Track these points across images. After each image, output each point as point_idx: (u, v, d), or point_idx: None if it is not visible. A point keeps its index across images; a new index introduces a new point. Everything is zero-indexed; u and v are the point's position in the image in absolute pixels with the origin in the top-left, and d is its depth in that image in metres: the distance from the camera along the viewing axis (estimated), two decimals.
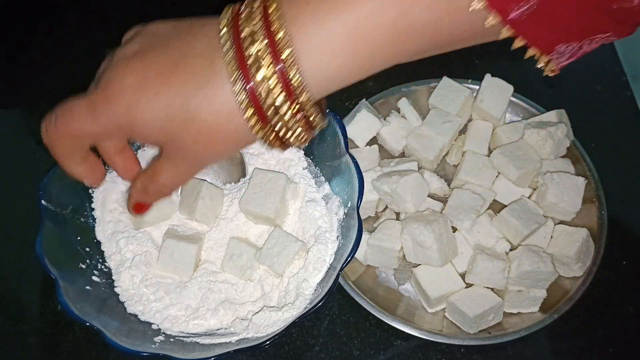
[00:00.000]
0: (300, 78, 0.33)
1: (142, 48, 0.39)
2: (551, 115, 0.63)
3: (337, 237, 0.53)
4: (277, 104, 0.34)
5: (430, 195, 0.60)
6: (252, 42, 0.33)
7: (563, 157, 0.62)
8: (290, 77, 0.33)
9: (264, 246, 0.52)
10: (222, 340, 0.49)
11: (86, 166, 0.42)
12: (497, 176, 0.61)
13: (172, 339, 0.49)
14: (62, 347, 0.56)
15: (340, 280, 0.55)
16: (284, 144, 0.36)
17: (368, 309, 0.54)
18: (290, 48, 0.32)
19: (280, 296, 0.52)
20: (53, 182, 0.50)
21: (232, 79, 0.34)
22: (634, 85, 0.71)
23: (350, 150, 0.52)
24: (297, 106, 0.34)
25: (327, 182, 0.56)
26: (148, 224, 0.55)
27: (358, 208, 0.49)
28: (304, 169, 0.58)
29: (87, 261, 0.52)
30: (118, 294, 0.52)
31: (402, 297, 0.57)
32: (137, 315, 0.51)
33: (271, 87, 0.33)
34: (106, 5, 0.80)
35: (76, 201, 0.53)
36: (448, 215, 0.57)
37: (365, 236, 0.55)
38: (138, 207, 0.45)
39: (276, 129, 0.35)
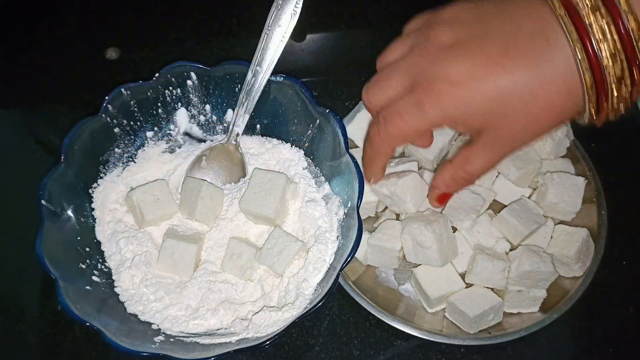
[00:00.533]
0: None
1: (459, 37, 0.39)
2: None
3: (337, 237, 0.53)
4: (618, 73, 0.34)
5: None
6: (592, 12, 0.34)
7: (563, 157, 0.62)
8: (635, 43, 0.33)
9: (264, 246, 0.52)
10: (222, 340, 0.49)
11: (383, 169, 0.49)
12: (497, 176, 0.61)
13: (172, 339, 0.49)
14: (62, 347, 0.56)
15: (340, 280, 0.55)
16: (605, 116, 0.37)
17: (368, 309, 0.54)
18: (633, 15, 0.33)
19: (280, 296, 0.52)
20: (53, 182, 0.50)
21: (574, 52, 0.34)
22: None
23: (350, 150, 0.52)
24: (635, 80, 0.35)
25: (327, 182, 0.56)
26: (149, 224, 0.55)
27: (358, 208, 0.49)
28: (304, 169, 0.58)
29: (87, 261, 0.52)
30: (118, 294, 0.52)
31: (402, 297, 0.57)
32: (137, 315, 0.51)
33: (615, 55, 0.34)
34: (106, 5, 0.80)
35: (76, 201, 0.53)
36: (448, 215, 0.57)
37: (365, 236, 0.55)
38: (442, 198, 0.48)
39: (609, 100, 0.36)
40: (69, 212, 0.52)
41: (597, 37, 0.34)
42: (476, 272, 0.54)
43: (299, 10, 0.52)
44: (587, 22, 0.34)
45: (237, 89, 0.57)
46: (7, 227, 0.63)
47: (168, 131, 0.60)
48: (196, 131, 0.61)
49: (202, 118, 0.61)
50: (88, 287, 0.50)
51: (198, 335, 0.50)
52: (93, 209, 0.55)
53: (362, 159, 0.50)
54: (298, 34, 0.74)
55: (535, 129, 0.39)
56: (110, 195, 0.56)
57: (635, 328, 0.56)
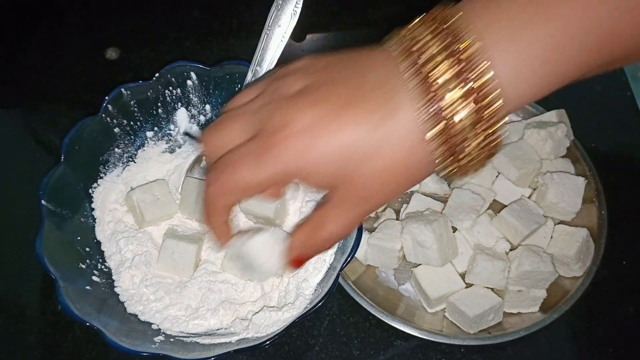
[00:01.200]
0: (493, 100, 0.31)
1: (306, 86, 0.36)
2: (551, 115, 0.63)
3: None
4: (466, 128, 0.31)
5: (430, 195, 0.60)
6: (436, 65, 0.31)
7: (563, 157, 0.62)
8: (482, 99, 0.31)
9: None
10: (222, 340, 0.49)
11: (227, 226, 0.40)
12: (497, 176, 0.61)
13: (172, 339, 0.49)
14: (62, 347, 0.56)
15: (340, 280, 0.55)
16: (461, 173, 0.34)
17: (368, 309, 0.54)
18: (481, 67, 0.30)
19: (280, 296, 0.52)
20: (53, 182, 0.50)
21: (418, 107, 0.31)
22: (634, 85, 0.71)
23: None
24: (488, 130, 0.32)
25: None
26: (149, 224, 0.55)
27: None
28: None
29: (87, 261, 0.52)
30: (118, 294, 0.52)
31: (402, 297, 0.57)
32: (137, 315, 0.51)
33: (461, 111, 0.31)
34: (106, 5, 0.80)
35: (76, 201, 0.53)
36: (448, 215, 0.57)
37: (365, 236, 0.55)
38: (298, 261, 0.40)
39: (460, 157, 0.33)
40: (69, 212, 0.52)
41: (440, 94, 0.31)
42: (476, 272, 0.54)
43: (299, 10, 0.52)
44: (429, 74, 0.31)
45: (237, 89, 0.57)
46: (7, 227, 0.63)
47: (168, 131, 0.60)
48: (196, 131, 0.61)
49: (202, 118, 0.61)
50: (88, 287, 0.50)
51: (198, 335, 0.50)
52: (93, 209, 0.55)
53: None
54: (298, 34, 0.74)
55: (388, 187, 0.35)
56: (110, 195, 0.56)
57: (635, 328, 0.56)
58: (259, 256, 0.43)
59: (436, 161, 0.33)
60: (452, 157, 0.33)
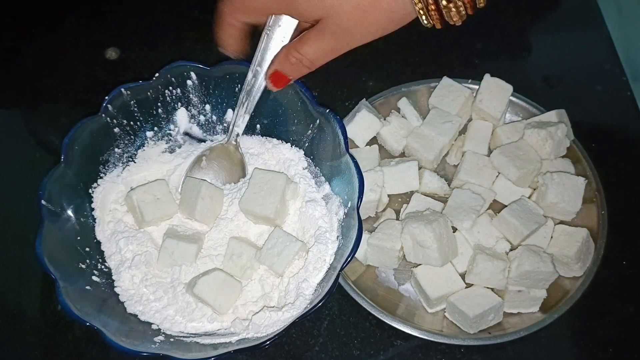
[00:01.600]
0: None
1: None
2: (551, 115, 0.63)
3: (337, 237, 0.53)
4: None
5: (430, 195, 0.60)
6: None
7: (563, 157, 0.62)
8: None
9: (264, 246, 0.52)
10: (222, 340, 0.49)
11: (235, 39, 0.49)
12: (497, 176, 0.61)
13: (172, 339, 0.49)
14: (62, 347, 0.56)
15: (340, 280, 0.55)
16: (440, 20, 0.41)
17: (368, 309, 0.54)
18: None
19: (280, 296, 0.52)
20: (53, 182, 0.50)
21: None
22: (634, 85, 0.71)
23: (350, 150, 0.52)
24: None
25: (327, 182, 0.56)
26: (149, 224, 0.55)
27: (358, 208, 0.49)
28: (304, 169, 0.58)
29: (87, 261, 0.52)
30: (118, 294, 0.52)
31: (402, 297, 0.57)
32: (137, 315, 0.51)
33: None
34: (106, 5, 0.80)
35: (76, 201, 0.54)
36: (448, 215, 0.57)
37: (365, 236, 0.55)
38: (276, 77, 0.48)
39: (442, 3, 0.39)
40: (69, 212, 0.52)
41: None
42: (476, 272, 0.54)
43: None
44: None
45: (237, 89, 0.57)
46: (7, 227, 0.63)
47: (168, 131, 0.60)
48: (196, 131, 0.61)
49: (202, 118, 0.61)
50: (88, 287, 0.50)
51: (198, 335, 0.50)
52: (93, 209, 0.55)
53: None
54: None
55: (367, 25, 0.42)
56: (110, 195, 0.56)
57: (635, 328, 0.56)
58: (208, 296, 0.49)
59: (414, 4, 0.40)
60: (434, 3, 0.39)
